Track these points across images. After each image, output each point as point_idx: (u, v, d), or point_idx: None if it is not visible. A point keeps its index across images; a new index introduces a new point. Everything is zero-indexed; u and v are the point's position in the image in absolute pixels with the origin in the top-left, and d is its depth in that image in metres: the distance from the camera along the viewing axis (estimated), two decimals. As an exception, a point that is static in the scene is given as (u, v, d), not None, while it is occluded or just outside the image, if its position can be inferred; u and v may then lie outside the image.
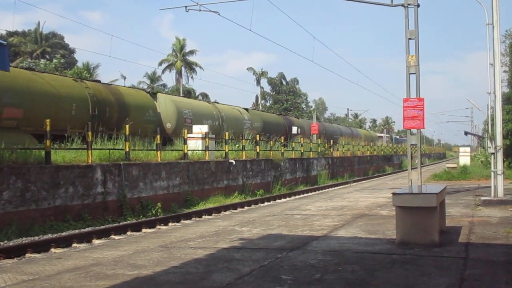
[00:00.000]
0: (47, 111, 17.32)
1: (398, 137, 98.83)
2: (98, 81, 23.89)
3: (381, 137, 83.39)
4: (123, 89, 24.53)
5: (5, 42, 13.41)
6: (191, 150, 21.53)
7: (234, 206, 19.60)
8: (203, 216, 17.07)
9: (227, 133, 24.59)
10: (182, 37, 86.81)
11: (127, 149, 17.35)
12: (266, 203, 21.07)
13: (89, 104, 19.89)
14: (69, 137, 16.59)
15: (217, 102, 32.32)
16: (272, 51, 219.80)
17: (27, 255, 10.96)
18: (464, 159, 36.55)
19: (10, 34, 56.68)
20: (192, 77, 69.06)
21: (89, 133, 15.74)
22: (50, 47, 59.69)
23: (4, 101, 16.39)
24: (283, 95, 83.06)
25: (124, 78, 60.18)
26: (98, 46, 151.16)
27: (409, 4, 15.06)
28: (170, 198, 18.76)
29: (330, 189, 28.68)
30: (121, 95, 22.26)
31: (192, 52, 69.14)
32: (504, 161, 15.16)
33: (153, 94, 26.24)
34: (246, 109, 36.23)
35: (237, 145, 26.58)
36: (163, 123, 24.78)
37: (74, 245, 12.15)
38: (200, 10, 19.91)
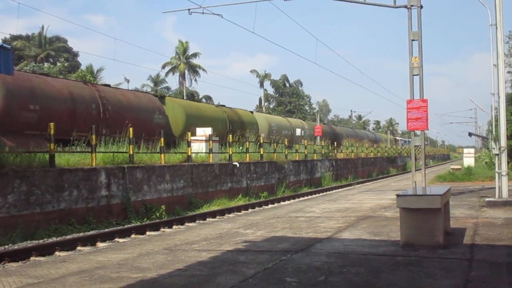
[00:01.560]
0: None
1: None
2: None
3: (397, 140, 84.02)
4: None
5: (9, 46, 13.47)
6: (195, 152, 21.54)
7: (238, 209, 19.60)
8: (207, 219, 17.08)
9: (230, 135, 24.59)
10: (185, 40, 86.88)
11: (131, 152, 17.38)
12: (270, 205, 21.06)
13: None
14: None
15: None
16: (276, 53, 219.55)
17: (32, 258, 10.98)
18: (468, 160, 36.45)
19: (14, 38, 56.83)
20: (195, 80, 69.20)
21: (93, 136, 15.76)
22: (54, 50, 59.83)
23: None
24: (287, 97, 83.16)
25: (128, 81, 60.39)
26: (101, 50, 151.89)
27: (412, 6, 15.05)
28: (174, 201, 18.77)
29: (334, 191, 28.64)
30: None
31: (195, 55, 69.29)
32: (508, 162, 15.14)
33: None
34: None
35: (240, 148, 26.59)
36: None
37: (78, 248, 12.17)
38: (203, 13, 19.95)
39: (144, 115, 22.86)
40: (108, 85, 24.13)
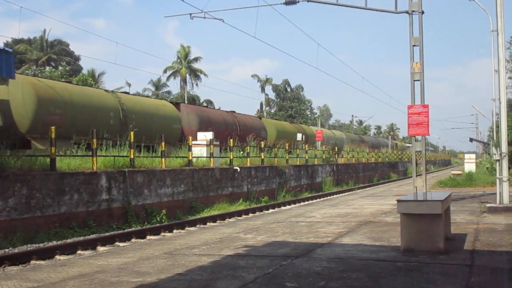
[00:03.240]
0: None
1: None
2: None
3: (409, 147, 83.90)
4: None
5: (10, 50, 13.53)
6: (195, 157, 21.55)
7: (238, 213, 19.59)
8: (208, 223, 17.07)
9: (231, 140, 24.61)
10: (187, 44, 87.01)
11: (132, 156, 17.38)
12: (270, 210, 21.05)
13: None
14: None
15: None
16: (277, 58, 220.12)
17: (32, 262, 10.98)
18: (470, 166, 36.42)
19: (16, 41, 57.02)
20: (196, 84, 69.24)
21: (94, 140, 15.78)
22: (56, 54, 59.97)
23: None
24: (288, 102, 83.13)
25: (129, 85, 60.44)
26: (103, 53, 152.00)
27: (413, 11, 15.07)
28: (175, 205, 18.76)
29: (335, 196, 28.62)
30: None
31: (196, 59, 69.35)
32: (509, 168, 15.12)
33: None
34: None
35: (241, 152, 26.61)
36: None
37: (78, 252, 12.17)
38: (204, 18, 19.95)
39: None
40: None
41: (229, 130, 29.02)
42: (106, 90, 23.29)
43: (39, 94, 17.64)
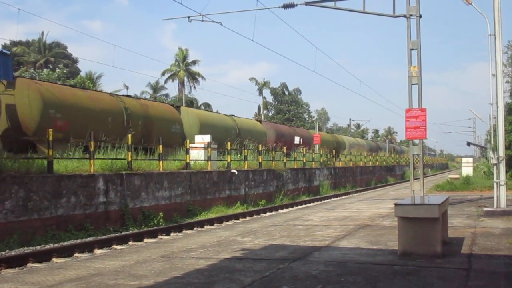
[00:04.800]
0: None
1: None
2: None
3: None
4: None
5: (8, 52, 13.50)
6: (193, 160, 21.53)
7: (236, 216, 19.57)
8: (205, 226, 17.05)
9: (229, 143, 24.63)
10: (185, 47, 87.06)
11: (129, 159, 17.36)
12: (268, 213, 21.03)
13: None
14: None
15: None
16: (275, 61, 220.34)
17: (29, 264, 10.95)
18: (467, 170, 36.49)
19: (14, 43, 56.95)
20: (194, 87, 69.21)
21: (92, 142, 15.76)
22: (53, 56, 59.91)
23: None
24: (285, 105, 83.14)
25: (127, 87, 60.28)
26: (100, 56, 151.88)
27: (411, 15, 15.10)
28: (172, 208, 18.74)
29: (332, 199, 28.64)
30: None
31: (194, 62, 69.31)
32: (506, 172, 15.13)
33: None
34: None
35: (239, 155, 26.60)
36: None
37: (75, 254, 12.14)
38: (203, 21, 19.96)
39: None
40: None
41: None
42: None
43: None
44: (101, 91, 27.05)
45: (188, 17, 20.09)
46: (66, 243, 13.14)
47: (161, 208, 17.97)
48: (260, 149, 27.15)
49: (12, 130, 17.28)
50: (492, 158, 14.51)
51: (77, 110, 19.13)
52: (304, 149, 35.30)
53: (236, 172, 23.49)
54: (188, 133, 25.92)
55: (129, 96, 25.44)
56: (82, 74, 53.51)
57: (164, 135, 21.15)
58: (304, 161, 33.72)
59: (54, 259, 11.49)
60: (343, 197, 29.96)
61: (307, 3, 17.14)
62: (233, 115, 32.96)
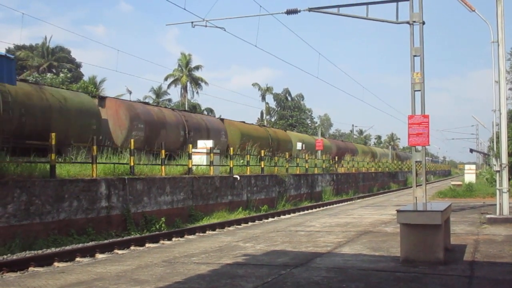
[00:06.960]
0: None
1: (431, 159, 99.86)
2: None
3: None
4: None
5: (12, 56, 13.54)
6: (195, 165, 21.54)
7: (238, 222, 19.55)
8: (207, 232, 17.03)
9: (231, 148, 24.65)
10: (188, 52, 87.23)
11: (132, 164, 17.38)
12: (270, 219, 21.01)
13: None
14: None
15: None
16: (278, 67, 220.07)
17: (30, 268, 10.94)
18: (470, 177, 36.41)
19: (18, 48, 57.19)
20: (197, 92, 69.33)
21: (94, 147, 15.78)
22: (57, 61, 60.10)
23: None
24: (288, 111, 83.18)
25: (130, 92, 60.34)
26: (104, 61, 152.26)
27: (414, 22, 15.10)
28: (174, 213, 18.73)
29: (334, 205, 28.59)
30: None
31: (197, 67, 69.44)
32: (509, 179, 15.09)
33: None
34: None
35: (241, 161, 26.60)
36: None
37: (77, 259, 12.13)
38: (206, 26, 19.98)
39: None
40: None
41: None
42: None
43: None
44: (165, 107, 31.78)
45: (192, 22, 20.12)
46: (68, 248, 13.13)
47: (163, 213, 17.96)
48: (262, 154, 27.16)
49: (104, 140, 19.81)
50: (495, 165, 14.46)
51: (150, 123, 23.17)
52: (306, 155, 35.30)
53: (238, 178, 23.48)
54: (231, 143, 28.87)
55: (187, 110, 29.72)
56: (85, 78, 53.67)
57: (216, 144, 24.96)
58: (307, 167, 33.69)
59: (56, 264, 11.47)
60: (346, 203, 29.90)
61: (310, 9, 17.17)
62: (265, 125, 36.76)
